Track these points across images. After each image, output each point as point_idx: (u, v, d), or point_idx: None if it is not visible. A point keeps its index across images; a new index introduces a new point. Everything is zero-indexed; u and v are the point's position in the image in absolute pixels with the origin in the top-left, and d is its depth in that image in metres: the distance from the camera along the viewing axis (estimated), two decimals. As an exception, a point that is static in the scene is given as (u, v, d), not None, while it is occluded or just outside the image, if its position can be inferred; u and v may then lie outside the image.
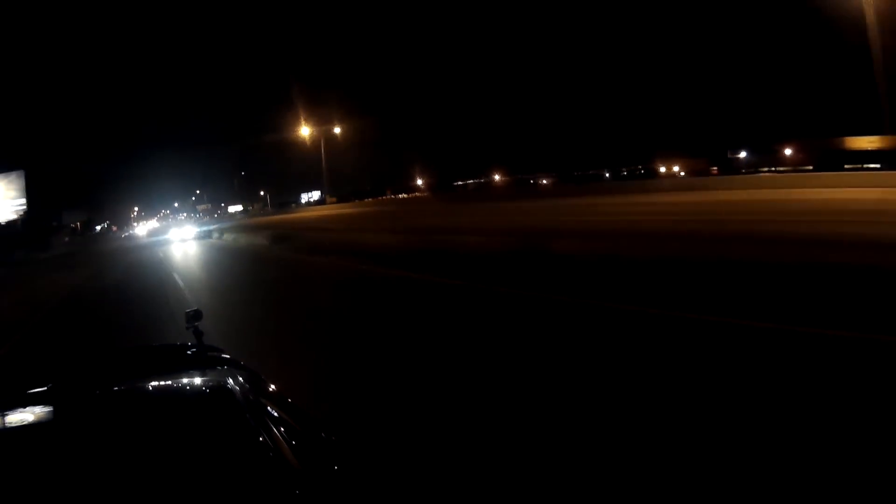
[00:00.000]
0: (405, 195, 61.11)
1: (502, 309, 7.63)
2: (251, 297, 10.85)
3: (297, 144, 52.49)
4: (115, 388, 1.76)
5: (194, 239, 33.93)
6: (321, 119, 49.62)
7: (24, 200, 45.13)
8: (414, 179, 68.21)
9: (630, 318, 6.23)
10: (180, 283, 13.14)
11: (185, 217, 76.05)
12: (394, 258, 12.68)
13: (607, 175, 55.84)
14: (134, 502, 1.11)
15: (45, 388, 1.77)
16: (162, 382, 1.84)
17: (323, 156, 51.19)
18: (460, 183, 66.68)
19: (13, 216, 44.99)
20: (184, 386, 1.83)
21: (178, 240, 34.23)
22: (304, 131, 49.02)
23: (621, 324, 6.12)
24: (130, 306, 10.79)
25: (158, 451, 1.27)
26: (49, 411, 1.62)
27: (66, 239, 49.18)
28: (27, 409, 1.63)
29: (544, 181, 56.32)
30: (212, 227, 38.13)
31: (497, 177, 63.57)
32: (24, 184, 44.70)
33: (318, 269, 14.28)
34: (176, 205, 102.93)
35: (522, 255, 10.32)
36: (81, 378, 1.90)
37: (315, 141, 50.16)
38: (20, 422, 1.54)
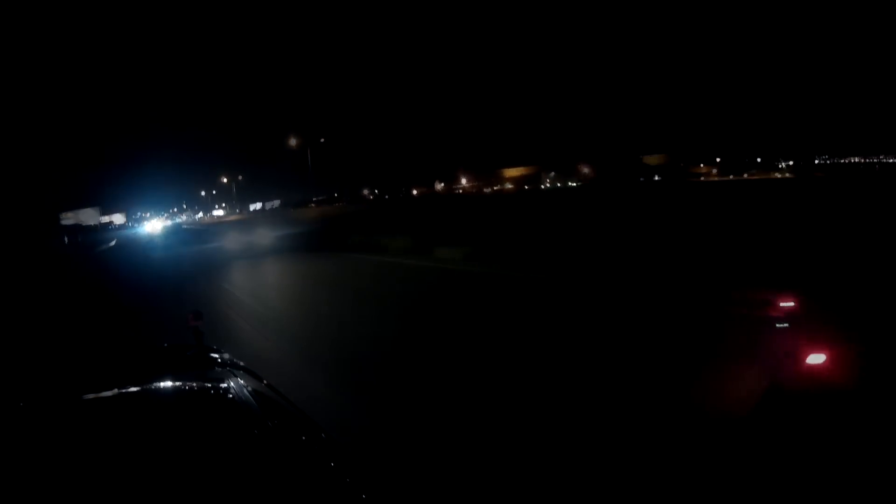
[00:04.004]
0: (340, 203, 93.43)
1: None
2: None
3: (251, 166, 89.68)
4: (115, 389, 1.76)
5: (272, 250, 20.72)
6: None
7: (101, 217, 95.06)
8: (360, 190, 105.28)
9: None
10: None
11: (257, 207, 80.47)
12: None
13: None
14: (134, 502, 1.12)
15: (45, 390, 1.80)
16: (161, 383, 1.85)
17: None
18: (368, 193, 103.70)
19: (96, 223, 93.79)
20: (183, 386, 1.84)
21: (242, 250, 21.44)
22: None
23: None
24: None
25: (159, 450, 1.30)
26: (48, 412, 1.60)
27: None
28: (27, 410, 1.62)
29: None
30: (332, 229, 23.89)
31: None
32: (100, 209, 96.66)
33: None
34: (174, 210, 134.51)
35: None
36: (81, 379, 1.93)
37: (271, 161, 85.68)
38: (21, 423, 1.53)
